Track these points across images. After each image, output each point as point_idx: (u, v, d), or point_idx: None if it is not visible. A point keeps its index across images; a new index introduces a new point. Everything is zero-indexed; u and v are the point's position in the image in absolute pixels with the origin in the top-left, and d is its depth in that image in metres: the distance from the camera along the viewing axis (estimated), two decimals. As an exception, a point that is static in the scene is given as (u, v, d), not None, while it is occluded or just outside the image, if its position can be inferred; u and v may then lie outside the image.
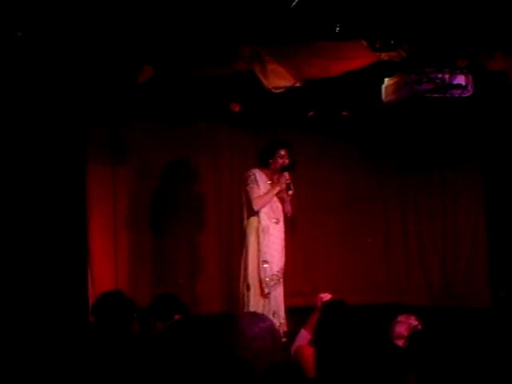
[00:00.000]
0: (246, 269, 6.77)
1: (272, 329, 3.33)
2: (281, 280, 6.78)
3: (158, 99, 7.31)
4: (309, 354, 4.09)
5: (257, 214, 6.76)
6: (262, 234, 6.73)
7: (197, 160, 8.52)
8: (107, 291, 5.57)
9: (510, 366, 3.35)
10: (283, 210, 6.88)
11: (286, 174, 6.76)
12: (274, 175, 6.85)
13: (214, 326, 4.08)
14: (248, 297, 6.70)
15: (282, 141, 6.96)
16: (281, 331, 6.63)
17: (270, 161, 6.81)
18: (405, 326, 4.88)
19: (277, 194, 6.81)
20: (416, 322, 4.91)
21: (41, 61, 5.98)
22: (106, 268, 8.08)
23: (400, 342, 4.62)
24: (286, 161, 6.77)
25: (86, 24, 5.77)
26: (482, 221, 8.90)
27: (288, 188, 6.78)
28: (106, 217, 8.14)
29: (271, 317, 6.56)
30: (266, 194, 6.75)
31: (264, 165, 6.87)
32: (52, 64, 6.01)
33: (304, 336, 4.79)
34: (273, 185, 6.79)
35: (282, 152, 6.77)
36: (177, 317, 5.00)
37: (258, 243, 6.73)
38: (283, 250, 6.84)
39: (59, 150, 6.76)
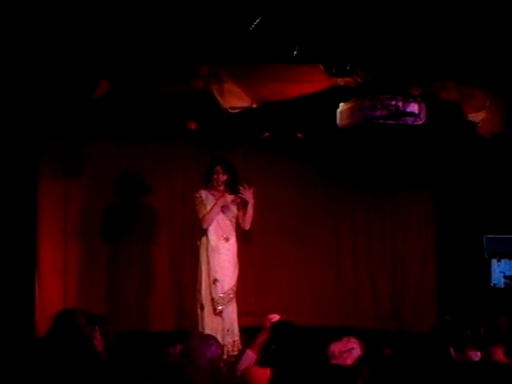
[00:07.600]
0: (199, 288, 6.80)
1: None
2: (233, 297, 6.81)
3: (114, 114, 7.28)
4: (257, 374, 4.09)
5: (206, 233, 6.81)
6: (211, 253, 6.77)
7: (151, 176, 8.50)
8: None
9: None
10: (240, 226, 6.94)
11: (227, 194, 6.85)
12: (217, 192, 6.88)
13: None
14: (202, 316, 6.71)
15: (217, 157, 7.02)
16: (235, 349, 6.65)
17: (211, 179, 6.88)
18: (339, 346, 4.87)
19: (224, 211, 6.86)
20: (354, 345, 4.89)
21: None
22: (55, 281, 7.98)
23: (334, 361, 4.65)
24: (223, 177, 6.83)
25: (44, 37, 5.74)
26: (432, 246, 9.02)
27: (243, 202, 6.89)
28: (57, 230, 8.04)
29: (225, 335, 6.60)
30: (210, 210, 6.79)
31: (207, 184, 6.92)
32: (8, 75, 5.96)
33: (250, 356, 4.79)
34: (216, 201, 6.83)
35: (217, 168, 6.84)
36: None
37: (208, 262, 6.76)
38: (236, 267, 6.88)
39: (12, 161, 6.69)
